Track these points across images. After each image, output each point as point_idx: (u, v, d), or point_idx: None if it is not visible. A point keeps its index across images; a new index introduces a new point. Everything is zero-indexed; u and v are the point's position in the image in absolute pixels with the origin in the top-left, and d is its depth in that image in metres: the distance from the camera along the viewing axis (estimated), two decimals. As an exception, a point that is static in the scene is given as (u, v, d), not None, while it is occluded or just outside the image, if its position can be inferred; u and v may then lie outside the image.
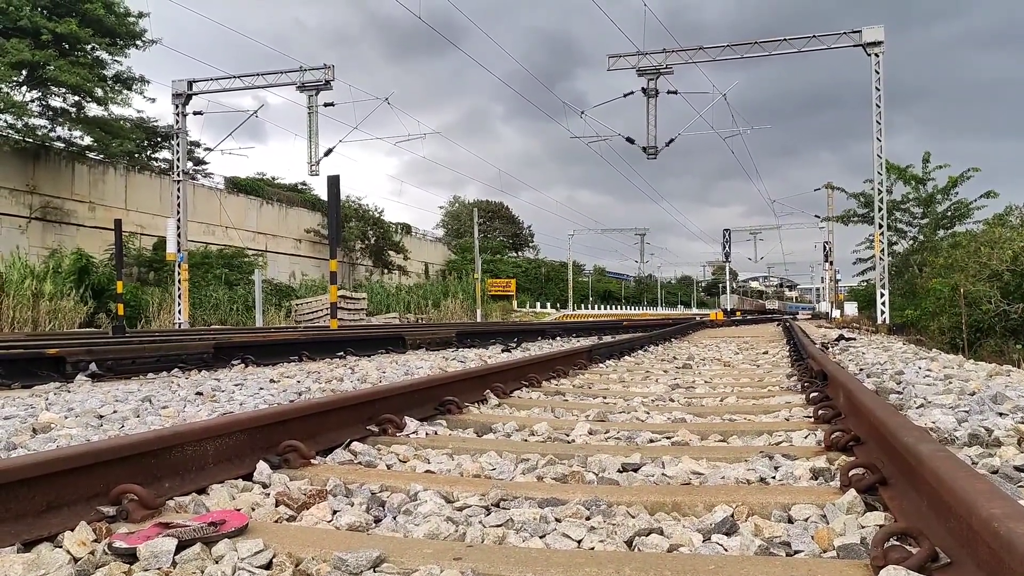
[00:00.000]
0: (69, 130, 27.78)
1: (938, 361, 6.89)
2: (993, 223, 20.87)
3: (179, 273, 24.11)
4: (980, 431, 2.82)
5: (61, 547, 1.70)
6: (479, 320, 35.37)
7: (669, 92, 23.79)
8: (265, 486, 2.33)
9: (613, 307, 73.12)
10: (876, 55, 20.84)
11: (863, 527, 1.80)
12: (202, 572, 1.61)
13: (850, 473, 2.15)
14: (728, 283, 65.60)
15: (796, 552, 1.73)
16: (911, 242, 30.27)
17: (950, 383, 4.70)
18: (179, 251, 23.89)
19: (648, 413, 3.96)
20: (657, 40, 35.08)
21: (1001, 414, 3.30)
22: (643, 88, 23.53)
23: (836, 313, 38.54)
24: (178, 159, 25.02)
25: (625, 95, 24.27)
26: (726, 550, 1.76)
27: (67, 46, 26.21)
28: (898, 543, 1.56)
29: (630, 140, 24.71)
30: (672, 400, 4.59)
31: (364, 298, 32.30)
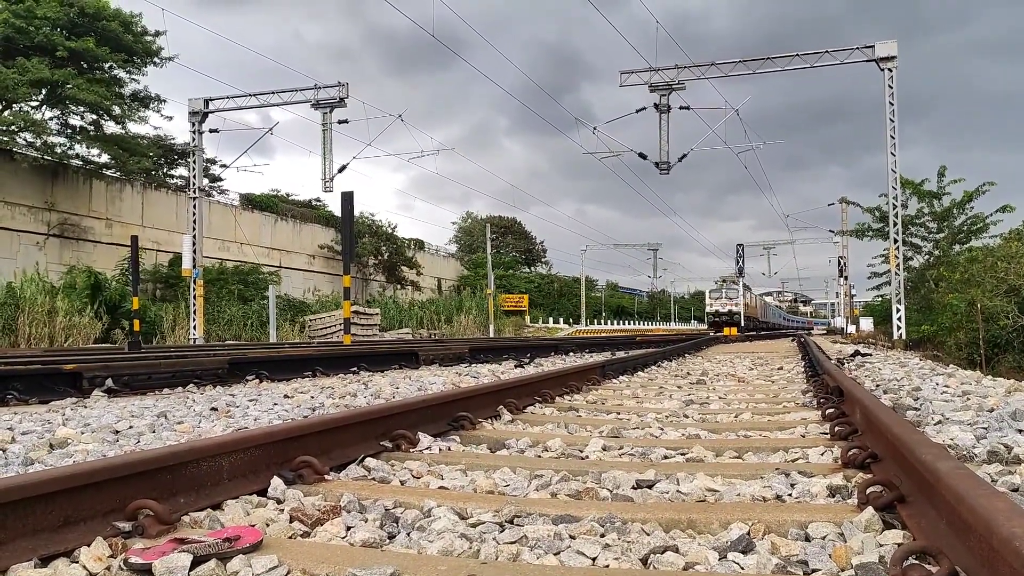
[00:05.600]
0: (87, 148, 28.17)
1: (955, 377, 6.82)
2: (1010, 237, 20.70)
3: (194, 289, 24.27)
4: (999, 448, 2.79)
5: (77, 562, 1.71)
6: (492, 336, 35.35)
7: (681, 108, 23.83)
8: (279, 502, 2.33)
9: (626, 322, 72.93)
10: (890, 70, 20.80)
11: (881, 545, 1.78)
12: (217, 588, 1.61)
13: (868, 491, 2.13)
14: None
15: (814, 571, 1.72)
16: (927, 257, 30.06)
17: (968, 399, 4.65)
18: (194, 267, 24.06)
19: (662, 429, 3.94)
20: (665, 53, 35.19)
21: (1020, 431, 3.27)
22: (655, 104, 23.58)
23: (851, 328, 38.27)
24: (194, 176, 25.26)
25: (637, 111, 24.33)
26: (743, 569, 1.74)
27: (85, 64, 26.61)
28: (917, 562, 1.55)
29: (643, 156, 24.73)
30: (686, 416, 4.56)
31: (377, 313, 32.36)
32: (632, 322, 75.61)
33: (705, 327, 52.31)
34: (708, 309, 50.65)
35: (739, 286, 50.69)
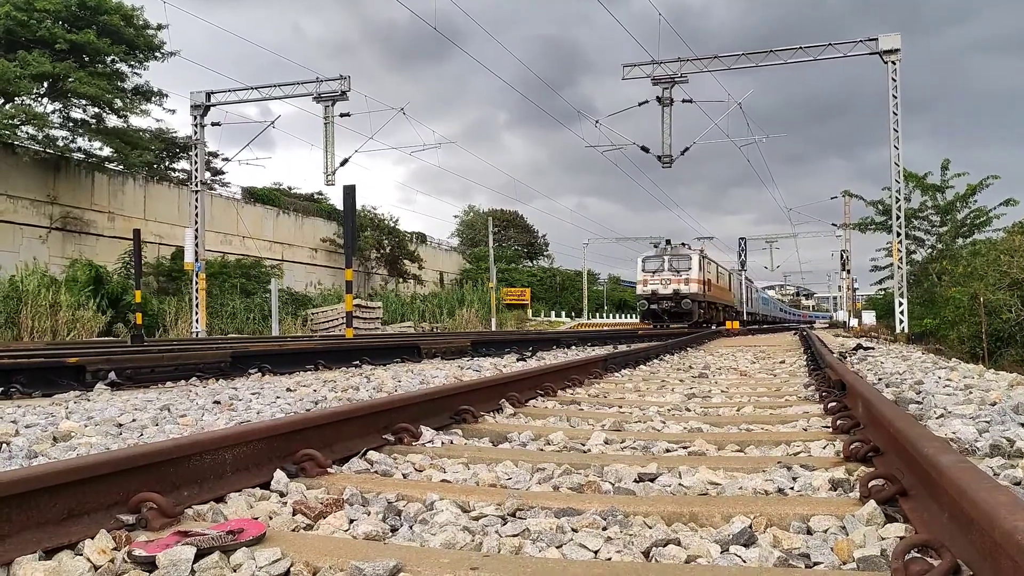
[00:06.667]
0: (89, 141, 28.17)
1: (958, 371, 6.81)
2: (1013, 231, 20.67)
3: (196, 283, 24.30)
4: (1002, 442, 2.79)
5: (82, 555, 1.72)
6: (494, 329, 35.36)
7: (684, 101, 23.76)
8: (282, 495, 2.34)
9: (628, 316, 72.84)
10: (893, 63, 20.73)
11: (883, 539, 1.78)
12: (220, 581, 1.62)
13: (870, 484, 2.13)
14: (743, 292, 64.91)
15: (815, 564, 1.72)
16: (930, 250, 30.03)
17: (970, 393, 4.65)
18: (197, 261, 24.08)
19: (664, 423, 3.95)
20: (667, 47, 35.10)
21: (1023, 424, 3.26)
22: (658, 97, 23.52)
23: (854, 322, 38.25)
24: (196, 169, 25.26)
25: (640, 104, 24.26)
26: (744, 562, 1.75)
27: (86, 58, 26.59)
28: (919, 555, 1.55)
29: (645, 149, 24.67)
30: (688, 410, 4.56)
31: (379, 307, 32.40)
32: (634, 315, 75.45)
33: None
34: (640, 290, 33.17)
35: (693, 253, 33.35)
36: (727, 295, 39.27)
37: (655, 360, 9.82)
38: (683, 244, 34.81)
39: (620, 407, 4.72)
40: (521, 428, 3.65)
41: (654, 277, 32.84)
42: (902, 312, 21.10)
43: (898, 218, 21.46)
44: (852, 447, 2.71)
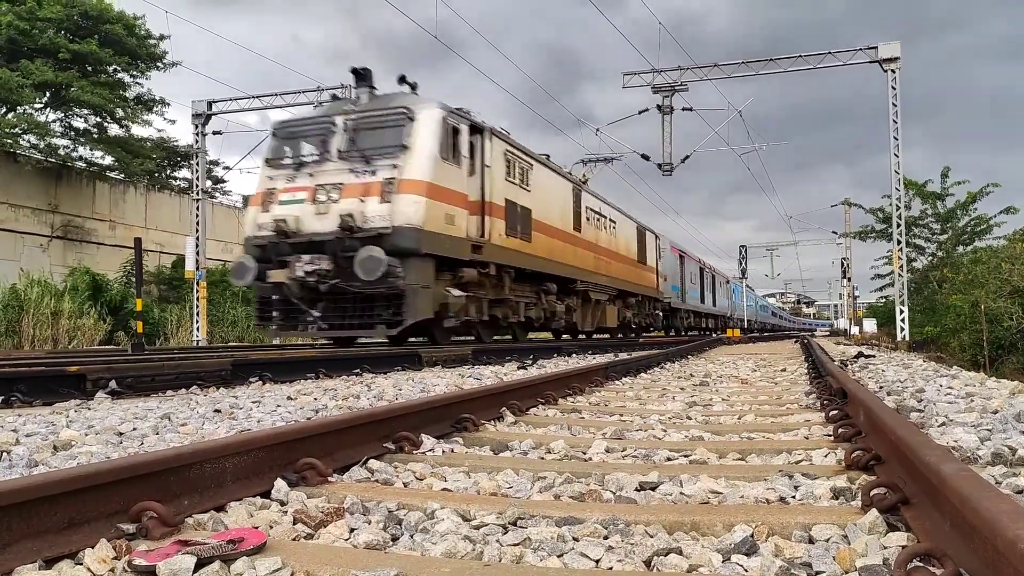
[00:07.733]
0: (91, 150, 28.27)
1: (959, 379, 6.80)
2: (1014, 239, 20.68)
3: (198, 291, 24.31)
4: (1003, 450, 2.79)
5: (82, 564, 1.72)
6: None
7: (684, 109, 23.83)
8: (283, 503, 2.33)
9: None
10: (893, 71, 20.79)
11: (885, 548, 1.78)
12: (221, 590, 1.61)
13: (871, 493, 2.12)
14: (744, 299, 64.97)
15: (817, 573, 1.71)
16: (930, 258, 30.03)
17: (972, 401, 4.64)
18: (198, 269, 24.10)
19: (665, 431, 3.94)
20: (667, 54, 35.18)
21: (1025, 433, 3.25)
22: (658, 105, 23.58)
23: (855, 330, 38.24)
24: (197, 178, 25.32)
25: (640, 112, 24.34)
26: (746, 571, 1.74)
27: (89, 67, 26.71)
28: (921, 564, 1.54)
29: (645, 157, 24.72)
30: (689, 418, 4.56)
31: (380, 315, 32.35)
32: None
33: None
34: (250, 225, 12.51)
35: (423, 106, 11.89)
36: (626, 271, 21.49)
37: (656, 368, 9.81)
38: (408, 84, 13.55)
39: (621, 415, 4.72)
40: (522, 436, 3.64)
41: (292, 187, 12.45)
42: (903, 320, 21.09)
43: (898, 226, 21.48)
44: (854, 455, 2.70)
